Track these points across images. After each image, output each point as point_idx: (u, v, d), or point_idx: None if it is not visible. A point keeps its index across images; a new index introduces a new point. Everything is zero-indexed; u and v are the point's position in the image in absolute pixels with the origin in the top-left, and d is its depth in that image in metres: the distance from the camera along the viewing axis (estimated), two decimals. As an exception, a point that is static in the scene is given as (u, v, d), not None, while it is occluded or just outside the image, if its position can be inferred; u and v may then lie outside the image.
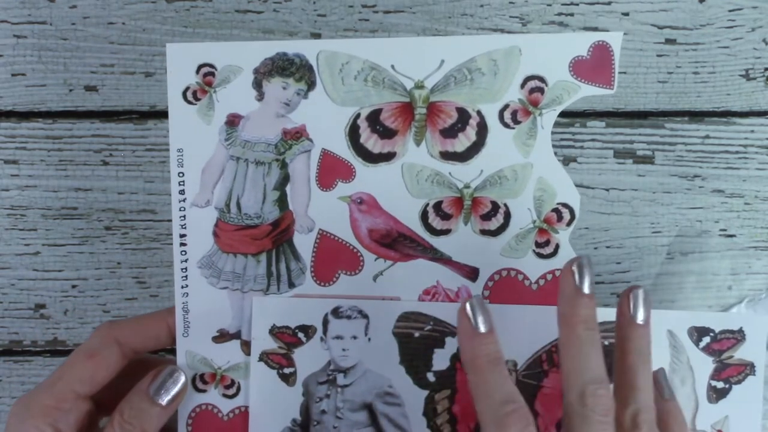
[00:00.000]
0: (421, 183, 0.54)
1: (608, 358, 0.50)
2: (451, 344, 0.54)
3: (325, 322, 0.54)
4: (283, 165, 0.54)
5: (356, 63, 0.53)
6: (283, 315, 0.54)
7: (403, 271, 0.55)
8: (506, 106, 0.54)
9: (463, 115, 0.54)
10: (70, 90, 0.63)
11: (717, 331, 0.55)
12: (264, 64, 0.53)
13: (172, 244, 0.62)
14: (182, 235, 0.54)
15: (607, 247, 0.63)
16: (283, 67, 0.53)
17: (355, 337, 0.54)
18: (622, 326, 0.50)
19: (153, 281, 0.64)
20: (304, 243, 0.55)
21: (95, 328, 0.53)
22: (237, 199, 0.54)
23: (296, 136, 0.54)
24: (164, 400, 0.51)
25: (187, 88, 0.53)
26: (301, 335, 0.55)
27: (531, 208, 0.55)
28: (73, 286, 0.64)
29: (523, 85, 0.54)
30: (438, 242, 0.55)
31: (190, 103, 0.53)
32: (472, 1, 0.62)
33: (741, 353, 0.55)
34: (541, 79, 0.54)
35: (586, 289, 0.48)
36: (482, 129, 0.54)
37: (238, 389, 0.55)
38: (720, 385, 0.55)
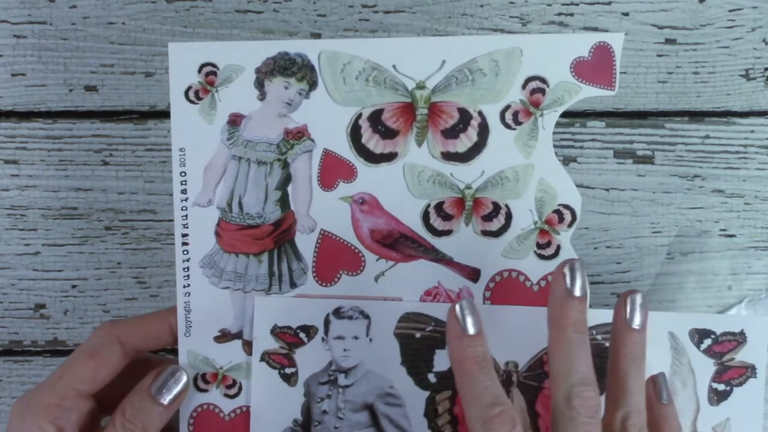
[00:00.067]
0: (422, 183, 0.54)
1: (605, 360, 0.50)
2: (453, 345, 0.54)
3: (327, 323, 0.54)
4: (285, 165, 0.54)
5: (358, 63, 0.54)
6: (284, 315, 0.54)
7: (405, 272, 0.55)
8: (507, 107, 0.54)
9: (465, 116, 0.54)
10: (70, 90, 0.63)
11: (718, 333, 0.55)
12: (266, 63, 0.53)
13: (172, 244, 0.62)
14: (184, 235, 0.54)
15: (607, 247, 0.63)
16: (285, 66, 0.53)
17: (356, 338, 0.54)
18: (617, 330, 0.50)
19: (153, 281, 0.64)
20: (305, 243, 0.55)
21: (97, 327, 0.53)
22: (239, 199, 0.54)
23: (298, 135, 0.54)
24: (166, 399, 0.51)
25: (189, 88, 0.53)
26: (302, 335, 0.55)
27: (532, 209, 0.55)
28: (73, 286, 0.64)
29: (524, 86, 0.54)
30: (439, 243, 0.55)
31: (192, 102, 0.54)
32: (472, 1, 0.62)
33: (742, 355, 0.55)
34: (543, 80, 0.54)
35: (577, 292, 0.48)
36: (483, 130, 0.54)
37: (240, 389, 0.55)
38: (721, 387, 0.55)
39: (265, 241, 0.55)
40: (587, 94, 0.54)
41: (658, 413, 0.51)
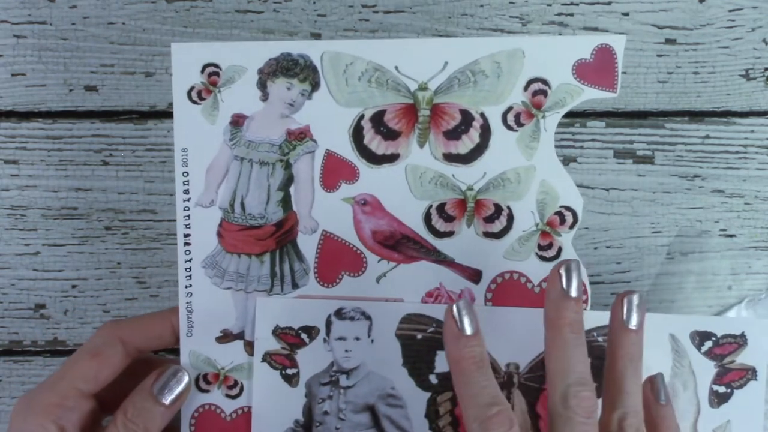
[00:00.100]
0: (424, 185, 0.54)
1: (603, 361, 0.50)
2: (454, 346, 0.54)
3: (328, 324, 0.54)
4: (287, 165, 0.54)
5: (360, 64, 0.54)
6: (286, 316, 0.54)
7: (406, 273, 0.55)
8: (509, 109, 0.54)
9: (467, 117, 0.54)
10: (70, 90, 0.63)
11: (719, 335, 0.55)
12: (268, 64, 0.53)
13: (172, 244, 0.62)
14: (186, 235, 0.54)
15: (607, 247, 0.63)
16: (288, 67, 0.53)
17: (358, 339, 0.54)
18: (614, 331, 0.50)
19: (153, 281, 0.64)
20: (307, 244, 0.55)
21: (99, 327, 0.53)
22: (241, 200, 0.54)
23: (300, 136, 0.54)
24: (168, 399, 0.51)
25: (192, 88, 0.53)
26: (304, 336, 0.55)
27: (534, 211, 0.55)
28: (73, 286, 0.64)
29: (526, 88, 0.54)
30: (441, 244, 0.55)
31: (194, 102, 0.54)
32: (472, 1, 0.62)
33: (743, 358, 0.55)
34: (545, 82, 0.54)
35: (573, 293, 0.48)
36: (485, 131, 0.54)
37: (241, 390, 0.55)
38: (722, 389, 0.55)
39: (267, 241, 0.55)
40: (589, 96, 0.54)
41: (656, 414, 0.51)
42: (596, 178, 0.63)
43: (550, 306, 0.49)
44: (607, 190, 0.63)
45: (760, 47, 0.63)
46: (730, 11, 0.62)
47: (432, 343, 0.54)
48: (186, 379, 0.52)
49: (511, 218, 0.55)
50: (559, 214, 0.55)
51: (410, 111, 0.54)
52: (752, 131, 0.63)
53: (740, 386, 0.55)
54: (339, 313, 0.54)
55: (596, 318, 0.54)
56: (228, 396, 0.55)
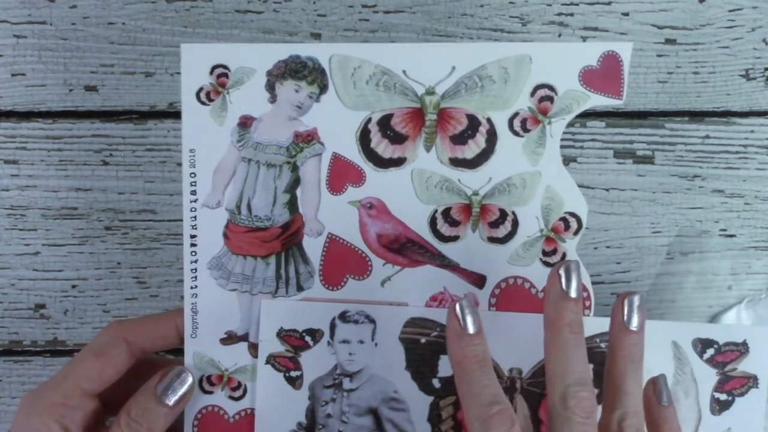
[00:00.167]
0: (430, 189, 0.55)
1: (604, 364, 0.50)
2: (458, 350, 0.54)
3: (333, 326, 0.54)
4: (294, 168, 0.54)
5: (368, 67, 0.54)
6: (290, 318, 0.54)
7: (411, 277, 0.55)
8: (516, 114, 0.54)
9: (473, 122, 0.54)
10: (70, 90, 0.63)
11: (721, 343, 0.55)
12: (277, 66, 0.53)
13: (172, 244, 0.62)
14: (192, 236, 0.54)
15: (607, 247, 0.63)
16: (296, 69, 0.53)
17: (361, 342, 0.54)
18: (615, 332, 0.50)
19: (153, 281, 0.64)
20: (313, 246, 0.55)
21: (104, 327, 0.53)
22: (248, 201, 0.54)
23: (308, 139, 0.54)
24: (171, 400, 0.51)
25: (201, 89, 0.53)
26: (308, 339, 0.54)
27: (539, 217, 0.55)
28: (73, 286, 0.64)
29: (533, 94, 0.54)
30: (446, 249, 0.55)
31: (203, 103, 0.53)
32: (472, 1, 0.62)
33: (744, 366, 0.55)
34: (551, 88, 0.54)
35: (573, 293, 0.48)
36: (492, 136, 0.54)
37: (245, 391, 0.55)
38: (723, 397, 0.55)
39: (273, 243, 0.54)
40: (595, 103, 0.54)
41: (658, 415, 0.51)
42: (596, 178, 0.63)
43: (549, 306, 0.49)
44: (607, 190, 0.63)
45: (760, 47, 0.63)
46: (730, 11, 0.63)
47: (435, 347, 0.54)
48: (190, 380, 0.52)
49: (516, 224, 0.55)
50: (563, 220, 0.55)
51: (417, 115, 0.54)
52: (752, 131, 0.63)
53: (741, 394, 0.55)
54: (343, 316, 0.54)
55: (599, 324, 0.54)
56: (231, 397, 0.55)
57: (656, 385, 0.52)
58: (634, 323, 0.49)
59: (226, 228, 0.54)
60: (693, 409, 0.55)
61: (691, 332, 0.55)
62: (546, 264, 0.55)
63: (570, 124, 0.60)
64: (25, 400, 0.50)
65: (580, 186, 0.60)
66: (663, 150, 0.63)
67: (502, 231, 0.55)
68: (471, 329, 0.48)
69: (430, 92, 0.54)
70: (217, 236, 0.54)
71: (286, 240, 0.54)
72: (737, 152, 0.63)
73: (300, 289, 0.55)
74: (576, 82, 0.54)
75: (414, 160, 0.54)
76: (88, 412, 0.50)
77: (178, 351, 0.56)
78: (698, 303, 0.63)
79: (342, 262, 0.55)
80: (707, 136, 0.63)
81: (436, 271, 0.55)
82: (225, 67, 0.53)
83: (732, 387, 0.55)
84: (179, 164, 0.62)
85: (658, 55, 0.63)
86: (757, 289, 0.63)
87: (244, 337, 0.55)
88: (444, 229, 0.55)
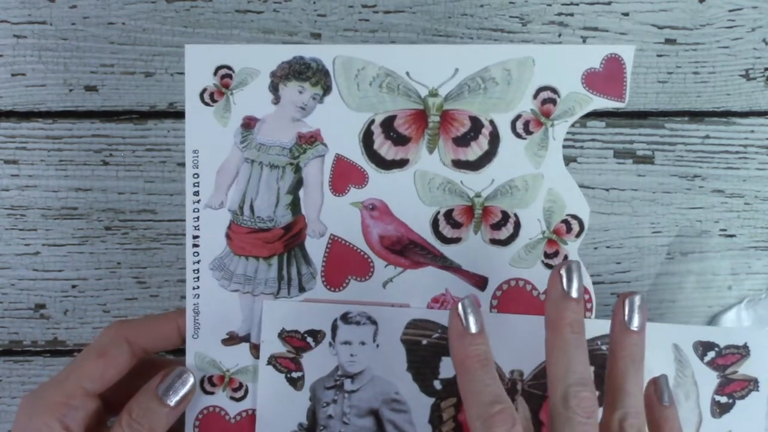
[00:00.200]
0: (432, 191, 0.55)
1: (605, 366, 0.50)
2: (459, 352, 0.54)
3: (334, 328, 0.54)
4: (297, 169, 0.54)
5: (372, 69, 0.54)
6: (292, 319, 0.54)
7: (413, 279, 0.55)
8: (519, 116, 0.54)
9: (476, 124, 0.54)
10: (70, 90, 0.62)
11: (722, 346, 0.55)
12: (281, 67, 0.53)
13: (172, 244, 0.62)
14: (195, 237, 0.54)
15: (607, 247, 0.63)
16: (300, 71, 0.53)
17: (363, 343, 0.54)
18: (616, 332, 0.50)
19: (153, 281, 0.64)
20: (315, 248, 0.55)
21: (106, 327, 0.53)
22: (250, 202, 0.54)
23: (311, 140, 0.54)
24: (173, 400, 0.51)
25: (205, 90, 0.53)
26: (309, 340, 0.54)
27: (541, 219, 0.55)
28: (73, 286, 0.64)
29: (535, 96, 0.54)
30: (448, 250, 0.55)
31: (207, 104, 0.53)
32: (472, 1, 0.62)
33: (745, 369, 0.55)
34: (554, 90, 0.54)
35: (574, 294, 0.48)
36: (494, 138, 0.54)
37: (246, 392, 0.55)
38: (724, 399, 0.55)
39: (276, 244, 0.54)
40: (598, 105, 0.54)
41: (659, 415, 0.51)
42: (596, 178, 0.63)
43: (550, 307, 0.49)
44: (607, 190, 0.63)
45: (760, 47, 0.63)
46: (730, 11, 0.63)
47: (437, 348, 0.54)
48: (191, 380, 0.52)
49: (517, 226, 0.55)
50: (565, 222, 0.55)
51: (420, 117, 0.54)
52: (752, 131, 0.63)
53: (742, 397, 0.55)
54: (345, 318, 0.54)
55: (600, 327, 0.54)
56: (232, 398, 0.55)
57: (657, 385, 0.52)
58: (635, 323, 0.49)
59: (228, 229, 0.54)
60: (693, 412, 0.55)
61: (692, 335, 0.55)
62: (547, 266, 0.55)
63: (570, 124, 0.60)
64: (27, 400, 0.50)
65: (580, 186, 0.60)
66: (663, 150, 0.63)
67: (504, 233, 0.55)
68: (473, 328, 0.48)
69: (434, 94, 0.54)
70: (220, 237, 0.54)
71: (289, 241, 0.54)
72: (737, 152, 0.63)
73: (302, 290, 0.55)
74: (579, 84, 0.54)
75: (417, 161, 0.54)
76: (89, 412, 0.50)
77: (180, 351, 0.56)
78: (698, 303, 0.63)
79: (344, 264, 0.55)
80: (707, 136, 0.63)
81: (437, 272, 0.55)
82: (229, 68, 0.53)
83: (733, 390, 0.55)
84: (179, 164, 0.62)
85: (658, 55, 0.63)
86: (757, 289, 0.63)
87: (246, 338, 0.55)
88: (446, 230, 0.55)
